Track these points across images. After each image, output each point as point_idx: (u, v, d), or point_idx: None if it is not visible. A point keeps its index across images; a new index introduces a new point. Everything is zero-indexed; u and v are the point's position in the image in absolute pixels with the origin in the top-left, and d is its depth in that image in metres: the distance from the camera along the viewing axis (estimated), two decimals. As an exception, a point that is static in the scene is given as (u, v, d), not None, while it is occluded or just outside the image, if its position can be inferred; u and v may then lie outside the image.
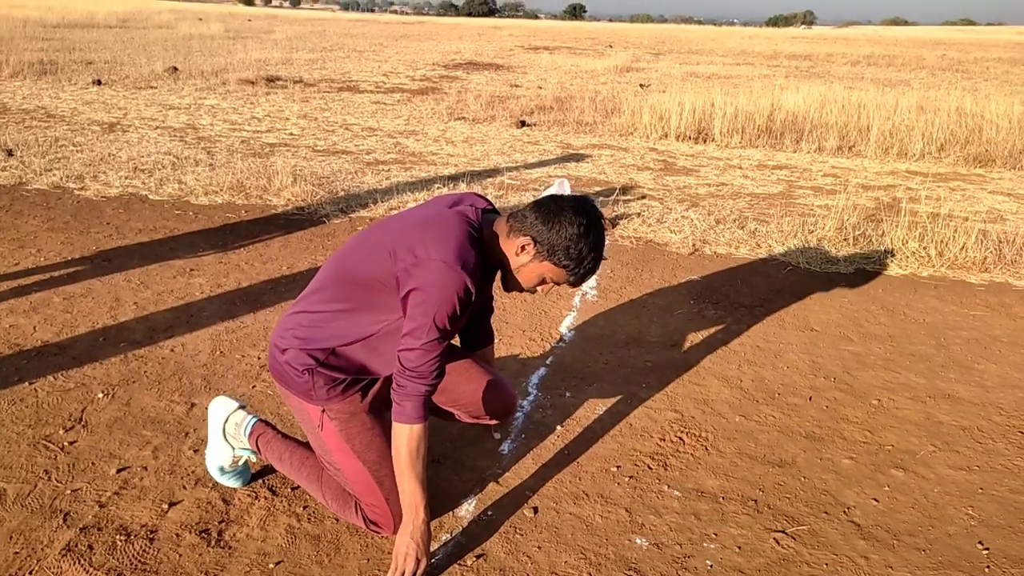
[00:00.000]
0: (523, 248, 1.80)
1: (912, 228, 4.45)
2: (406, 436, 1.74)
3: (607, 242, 4.38)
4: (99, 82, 10.26)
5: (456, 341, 2.26)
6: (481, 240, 1.82)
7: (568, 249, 1.76)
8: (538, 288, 1.89)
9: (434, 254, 1.70)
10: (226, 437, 2.03)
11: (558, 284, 1.86)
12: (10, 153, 5.81)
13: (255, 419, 2.06)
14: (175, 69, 11.82)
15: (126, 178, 5.28)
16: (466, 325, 2.24)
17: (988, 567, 1.90)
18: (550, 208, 1.78)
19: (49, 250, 3.87)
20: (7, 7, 25.56)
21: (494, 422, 2.21)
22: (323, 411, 1.88)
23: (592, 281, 3.80)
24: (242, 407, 2.09)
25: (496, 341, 3.01)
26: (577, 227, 1.75)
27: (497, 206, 1.92)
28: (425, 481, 1.77)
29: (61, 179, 5.18)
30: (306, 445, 2.05)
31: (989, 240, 4.40)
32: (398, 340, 1.78)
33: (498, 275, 1.94)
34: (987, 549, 1.96)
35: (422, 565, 1.74)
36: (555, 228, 1.76)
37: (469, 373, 2.13)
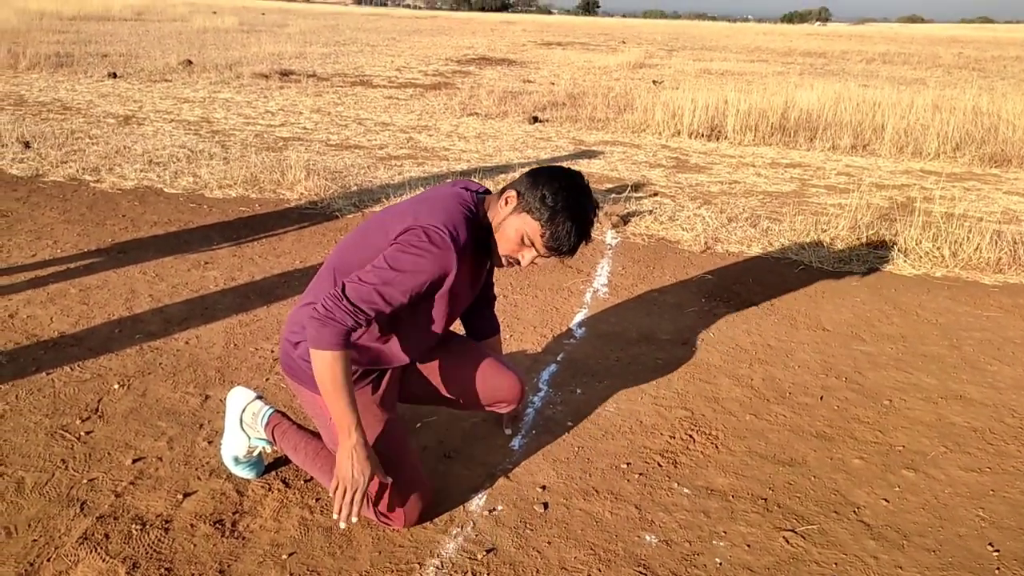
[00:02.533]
0: (507, 200, 1.83)
1: (926, 228, 4.42)
2: (328, 363, 1.69)
3: (617, 238, 4.39)
4: (114, 75, 10.33)
5: (461, 330, 2.28)
6: (475, 219, 1.84)
7: (544, 198, 1.77)
8: (520, 254, 1.85)
9: (423, 221, 1.74)
10: (243, 427, 2.05)
11: (535, 247, 1.82)
12: (27, 145, 5.86)
13: (272, 410, 2.09)
14: (189, 62, 11.88)
15: (141, 171, 5.33)
16: (470, 314, 2.26)
17: (998, 569, 1.90)
18: (540, 170, 1.84)
19: (65, 242, 3.91)
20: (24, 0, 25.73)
21: (506, 408, 2.21)
22: (334, 404, 1.90)
23: (604, 278, 3.80)
24: (259, 397, 2.11)
25: (507, 337, 3.05)
26: (559, 182, 1.79)
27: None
28: (354, 403, 1.74)
29: (77, 171, 5.23)
30: (321, 437, 2.07)
31: (1004, 241, 4.37)
32: (405, 326, 1.80)
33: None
34: (997, 551, 1.96)
35: (361, 484, 1.74)
36: (538, 181, 1.80)
37: (476, 361, 2.14)
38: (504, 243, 1.85)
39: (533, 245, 1.83)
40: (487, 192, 1.97)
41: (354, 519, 1.76)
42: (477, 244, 1.87)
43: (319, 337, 1.70)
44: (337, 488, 1.76)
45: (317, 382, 1.74)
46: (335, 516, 1.76)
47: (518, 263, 1.88)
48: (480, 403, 2.18)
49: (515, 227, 1.81)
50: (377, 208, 4.80)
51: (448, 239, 1.72)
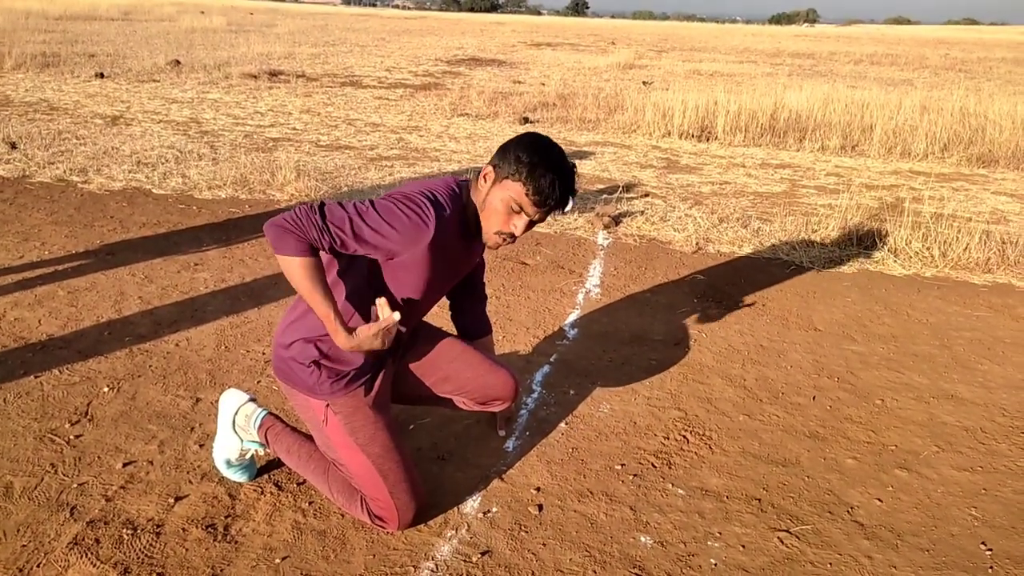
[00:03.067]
0: (485, 177, 1.84)
1: (915, 228, 4.45)
2: (296, 266, 1.68)
3: (609, 239, 4.39)
4: (102, 75, 10.25)
5: (453, 330, 2.28)
6: (460, 199, 1.86)
7: (519, 157, 1.78)
8: (512, 224, 1.83)
9: (412, 190, 1.79)
10: (235, 429, 2.04)
11: (523, 210, 1.81)
12: (13, 146, 5.81)
13: (265, 412, 2.08)
14: (178, 62, 11.81)
15: (130, 172, 5.28)
16: (462, 311, 2.25)
17: (991, 568, 1.91)
18: (507, 141, 1.86)
19: (53, 243, 3.87)
20: (9, -1, 25.52)
21: (499, 407, 2.20)
22: (327, 405, 1.89)
23: (596, 279, 3.80)
24: (252, 399, 2.10)
25: (500, 338, 3.04)
26: (527, 141, 1.82)
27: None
28: (334, 310, 1.73)
29: (65, 172, 5.18)
30: (314, 439, 2.05)
31: (992, 241, 4.40)
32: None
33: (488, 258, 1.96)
34: (990, 550, 1.97)
35: (379, 338, 1.76)
36: (508, 147, 1.82)
37: (469, 360, 2.14)
38: (494, 218, 1.83)
39: (522, 209, 1.81)
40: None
41: (396, 316, 1.77)
42: (463, 227, 1.88)
43: (282, 243, 1.67)
44: (376, 339, 1.76)
45: (295, 287, 1.73)
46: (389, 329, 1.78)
47: (512, 237, 1.85)
48: (474, 402, 2.17)
49: (500, 197, 1.81)
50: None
51: (431, 205, 1.75)
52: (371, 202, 1.76)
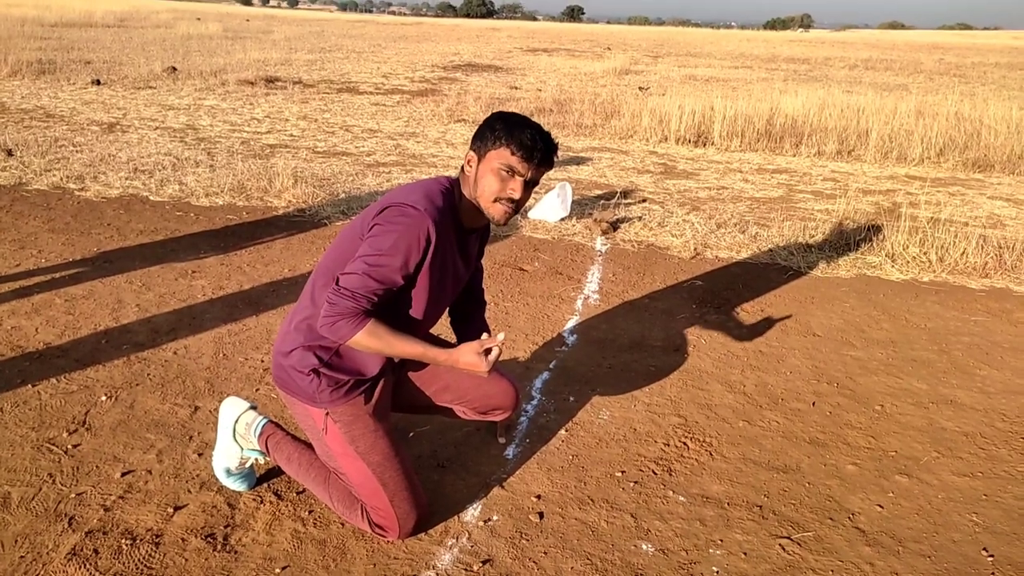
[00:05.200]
0: (469, 162, 1.87)
1: (912, 233, 4.46)
2: (366, 339, 1.74)
3: (607, 245, 4.39)
4: (98, 82, 10.24)
5: (453, 339, 2.27)
6: (452, 196, 1.87)
7: (493, 126, 1.81)
8: (510, 189, 1.82)
9: (400, 199, 1.77)
10: (236, 437, 2.03)
11: (514, 171, 1.81)
12: (10, 153, 5.80)
13: (265, 420, 2.07)
14: (174, 69, 11.81)
15: (126, 179, 5.27)
16: (461, 318, 2.24)
17: (993, 574, 1.90)
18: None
19: (50, 251, 3.86)
20: (5, 6, 25.52)
21: (500, 416, 2.20)
22: (327, 414, 1.88)
23: (594, 285, 3.80)
24: (253, 407, 2.09)
25: (499, 345, 3.03)
26: (495, 115, 1.85)
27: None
28: (420, 341, 1.80)
29: (61, 179, 5.17)
30: (314, 447, 2.04)
31: (989, 245, 4.41)
32: (388, 320, 1.80)
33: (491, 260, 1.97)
34: (992, 556, 1.97)
35: (483, 362, 1.79)
36: (481, 128, 1.85)
37: None
38: (489, 189, 1.83)
39: (513, 170, 1.81)
40: None
41: (500, 337, 1.81)
42: (458, 224, 1.88)
43: (337, 333, 1.74)
44: (488, 361, 1.80)
45: (384, 352, 1.79)
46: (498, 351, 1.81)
47: (511, 202, 1.84)
48: (474, 411, 2.17)
49: (489, 168, 1.82)
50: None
51: (423, 208, 1.74)
52: (371, 246, 1.75)
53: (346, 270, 1.75)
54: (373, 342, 1.75)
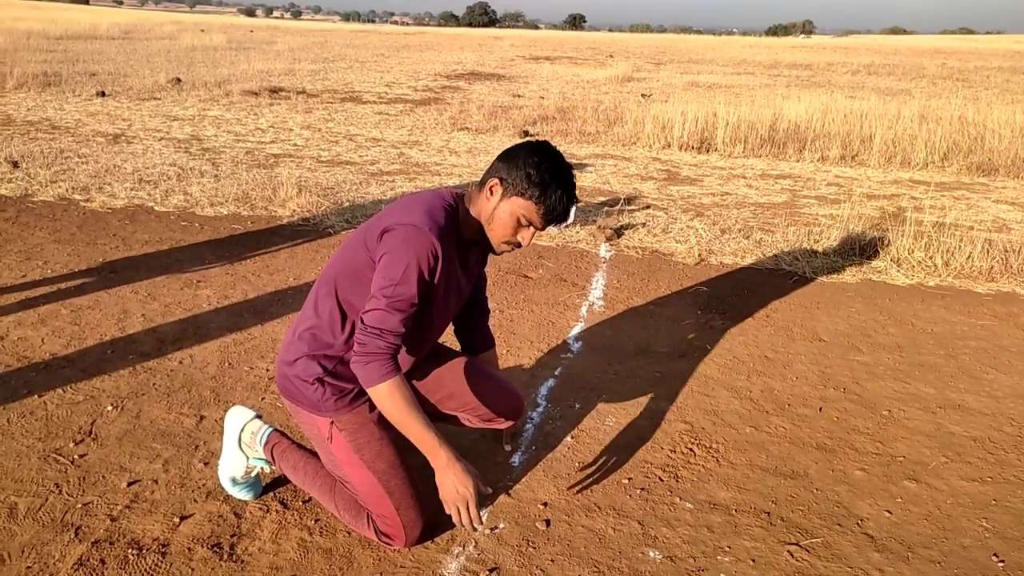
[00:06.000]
0: (491, 191, 1.83)
1: (918, 237, 4.45)
2: (386, 395, 1.73)
3: (611, 252, 4.39)
4: (103, 93, 10.30)
5: (457, 347, 2.27)
6: (455, 211, 1.85)
7: (530, 176, 1.78)
8: (520, 236, 1.85)
9: (403, 219, 1.76)
10: (241, 446, 2.03)
11: (532, 224, 1.83)
12: (16, 165, 5.82)
13: (271, 429, 2.07)
14: (178, 80, 11.87)
15: (131, 189, 5.30)
16: (465, 326, 2.24)
17: (1004, 579, 1.89)
18: (510, 150, 1.85)
19: (56, 262, 3.87)
20: (10, 19, 25.70)
21: (505, 425, 2.20)
22: (332, 423, 1.88)
23: (599, 291, 3.79)
24: (258, 416, 2.09)
25: (504, 352, 3.03)
26: (535, 155, 1.80)
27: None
28: (429, 424, 1.76)
29: (67, 190, 5.19)
30: (320, 456, 2.04)
31: (995, 249, 4.40)
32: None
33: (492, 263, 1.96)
34: (1002, 561, 1.95)
35: (471, 497, 1.75)
36: (514, 160, 1.80)
37: (475, 377, 2.13)
38: (500, 230, 1.84)
39: (531, 224, 1.83)
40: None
41: (479, 527, 1.78)
42: (460, 239, 1.88)
43: (367, 375, 1.73)
44: (451, 511, 1.76)
45: (389, 418, 1.77)
46: (467, 527, 1.77)
47: (518, 245, 1.88)
48: (479, 419, 2.17)
49: (508, 211, 1.81)
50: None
51: (426, 227, 1.73)
52: (384, 277, 1.74)
53: (368, 307, 1.74)
54: (387, 401, 1.73)
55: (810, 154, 7.74)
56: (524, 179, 1.78)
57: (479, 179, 1.90)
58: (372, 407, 1.92)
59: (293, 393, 1.91)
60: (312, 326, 1.89)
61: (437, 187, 2.01)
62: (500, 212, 1.82)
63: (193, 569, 1.82)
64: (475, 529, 1.76)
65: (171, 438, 2.36)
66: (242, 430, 2.05)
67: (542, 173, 1.78)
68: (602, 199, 5.67)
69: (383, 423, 1.93)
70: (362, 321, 1.75)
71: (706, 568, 1.90)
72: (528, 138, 1.92)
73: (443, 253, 1.75)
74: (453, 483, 1.75)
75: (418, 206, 1.80)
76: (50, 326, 3.12)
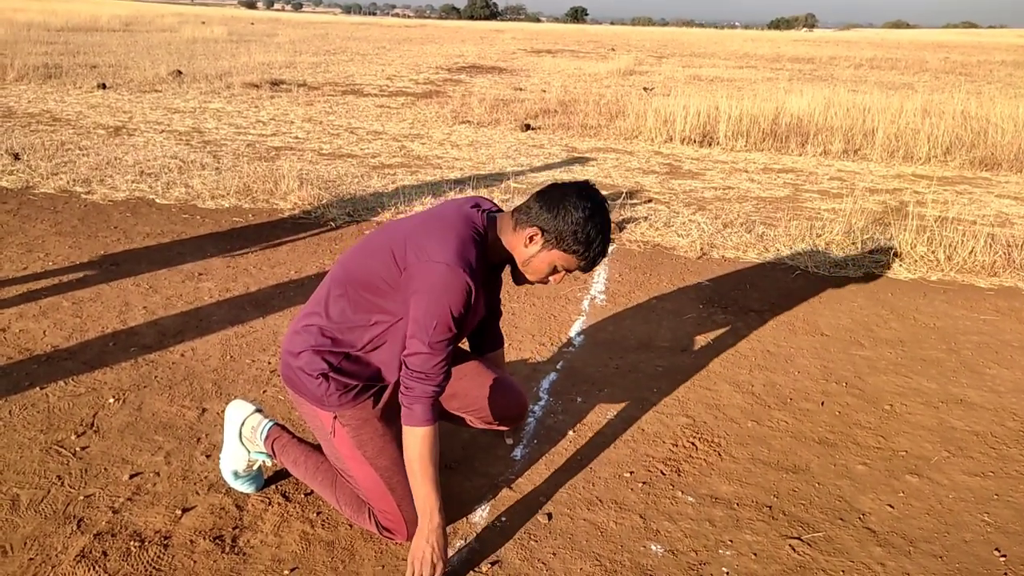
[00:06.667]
0: (531, 239, 1.81)
1: (920, 232, 4.44)
2: (418, 440, 1.74)
3: (614, 247, 4.39)
4: (104, 86, 10.28)
5: (465, 346, 2.26)
6: (484, 240, 1.83)
7: (576, 234, 1.77)
8: (550, 278, 1.89)
9: (436, 256, 1.72)
10: (242, 440, 2.03)
11: (569, 271, 1.86)
12: (17, 157, 5.82)
13: (272, 423, 2.06)
14: (179, 73, 11.84)
15: (133, 182, 5.29)
16: (475, 328, 2.23)
17: (1006, 574, 1.89)
18: (553, 196, 1.80)
19: (57, 254, 3.87)
20: (11, 11, 25.64)
21: (506, 427, 2.21)
22: (335, 417, 1.88)
23: (601, 285, 3.79)
24: (259, 410, 2.09)
25: (506, 346, 3.02)
26: (582, 211, 1.77)
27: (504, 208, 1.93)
28: (438, 484, 1.77)
29: (68, 183, 5.19)
30: (321, 450, 2.04)
31: (998, 244, 4.39)
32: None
33: (507, 270, 1.95)
34: (1004, 556, 1.95)
35: (438, 569, 1.73)
36: (560, 214, 1.77)
37: (480, 378, 2.13)
38: (534, 275, 1.87)
39: (567, 270, 1.86)
40: (498, 210, 1.94)
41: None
42: (487, 265, 1.87)
43: (410, 414, 1.74)
44: (411, 571, 1.75)
45: (405, 460, 1.78)
46: None
47: (545, 282, 1.91)
48: (481, 420, 2.17)
49: (547, 261, 1.83)
50: (371, 217, 4.78)
51: (459, 266, 1.70)
52: (421, 320, 1.72)
53: (409, 349, 1.74)
54: (417, 444, 1.74)
55: (812, 148, 7.72)
56: (570, 236, 1.77)
57: (511, 207, 1.87)
58: (376, 403, 1.91)
59: (297, 384, 1.91)
60: (321, 325, 1.87)
61: (470, 199, 1.99)
62: (538, 260, 1.83)
63: (195, 561, 1.82)
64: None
65: (173, 430, 2.36)
66: (243, 424, 2.05)
67: (588, 231, 1.77)
68: (604, 193, 5.65)
69: (386, 420, 1.92)
70: (406, 365, 1.75)
71: (708, 562, 1.90)
72: (574, 180, 1.86)
73: (475, 288, 1.74)
74: (429, 552, 1.74)
75: (452, 239, 1.75)
76: (52, 318, 3.12)
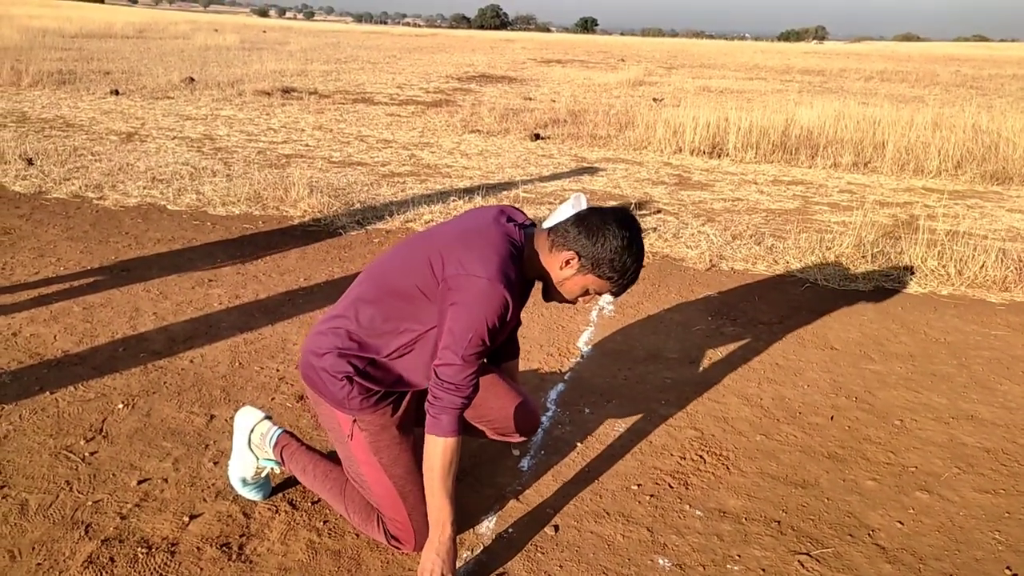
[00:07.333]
0: (567, 263, 1.82)
1: (931, 246, 4.42)
2: (440, 450, 1.74)
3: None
4: (117, 92, 10.36)
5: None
6: (521, 257, 1.83)
7: (612, 262, 1.78)
8: (580, 299, 1.91)
9: (478, 271, 1.72)
10: (251, 447, 2.03)
11: (600, 294, 1.89)
12: (30, 162, 5.87)
13: (280, 430, 2.07)
14: (192, 80, 11.93)
15: (144, 188, 5.32)
16: None
17: (1017, 593, 1.87)
18: (593, 222, 1.80)
19: (69, 259, 3.89)
20: (26, 17, 25.88)
21: (519, 439, 2.20)
22: (354, 421, 1.87)
23: (609, 296, 3.78)
24: (268, 417, 2.09)
25: (516, 356, 3.02)
26: (621, 240, 1.77)
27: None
28: (454, 497, 1.77)
29: (80, 188, 5.22)
30: (330, 457, 2.04)
31: (1009, 259, 4.37)
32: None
33: (537, 285, 1.96)
34: (1015, 575, 1.93)
35: None
36: (599, 242, 1.78)
37: (497, 389, 2.12)
38: (572, 295, 1.89)
39: (599, 294, 1.88)
40: (532, 225, 1.95)
41: None
42: (523, 279, 1.88)
43: (435, 424, 1.74)
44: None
45: (424, 468, 1.77)
46: None
47: (574, 303, 1.94)
48: (494, 432, 2.16)
49: (581, 285, 1.85)
50: (381, 225, 4.79)
51: (500, 282, 1.71)
52: (456, 331, 1.72)
53: (442, 360, 1.73)
54: (438, 454, 1.73)
55: (822, 160, 7.70)
56: (607, 264, 1.78)
57: (548, 224, 1.86)
58: (395, 410, 1.90)
59: (318, 384, 1.89)
60: (349, 328, 1.86)
61: (503, 208, 1.99)
62: (571, 283, 1.85)
63: (202, 568, 1.82)
64: None
65: (181, 437, 2.37)
66: (252, 431, 2.05)
67: (625, 259, 1.78)
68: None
69: (404, 428, 1.92)
70: (436, 375, 1.75)
71: (716, 576, 1.89)
72: (613, 207, 1.85)
73: (512, 303, 1.75)
74: (439, 564, 1.73)
75: (493, 255, 1.75)
76: (62, 323, 3.14)
